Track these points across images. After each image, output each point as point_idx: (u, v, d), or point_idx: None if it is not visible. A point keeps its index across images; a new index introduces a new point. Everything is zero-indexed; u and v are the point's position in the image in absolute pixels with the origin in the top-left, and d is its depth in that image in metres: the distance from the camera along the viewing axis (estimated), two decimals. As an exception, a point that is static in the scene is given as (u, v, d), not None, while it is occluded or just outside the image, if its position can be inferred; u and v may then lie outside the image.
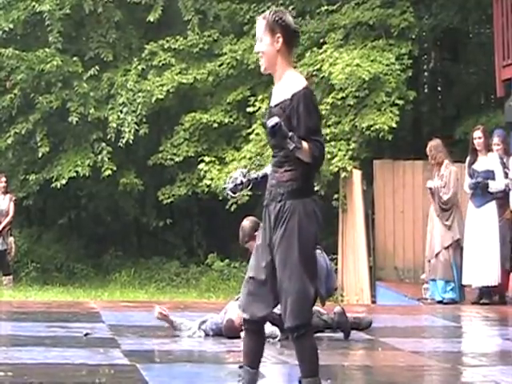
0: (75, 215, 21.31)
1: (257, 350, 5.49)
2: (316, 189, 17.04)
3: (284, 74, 5.37)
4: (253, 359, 5.48)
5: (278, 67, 5.39)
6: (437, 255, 12.48)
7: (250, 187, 6.04)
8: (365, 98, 16.95)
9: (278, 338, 8.81)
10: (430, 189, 12.65)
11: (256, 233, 8.87)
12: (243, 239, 9.02)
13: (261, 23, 5.43)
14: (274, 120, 5.16)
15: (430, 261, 12.61)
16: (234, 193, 6.04)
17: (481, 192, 12.21)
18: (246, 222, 9.16)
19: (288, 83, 5.34)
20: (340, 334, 9.06)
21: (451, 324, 10.85)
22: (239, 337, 8.79)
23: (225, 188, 6.06)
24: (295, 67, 17.20)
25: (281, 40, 5.36)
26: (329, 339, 8.99)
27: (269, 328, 8.87)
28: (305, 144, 5.18)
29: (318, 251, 9.23)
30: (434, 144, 12.90)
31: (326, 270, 9.22)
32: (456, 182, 12.59)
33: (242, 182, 6.01)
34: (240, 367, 5.58)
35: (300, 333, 5.33)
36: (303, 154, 5.17)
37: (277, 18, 5.38)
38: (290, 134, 5.16)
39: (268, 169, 5.67)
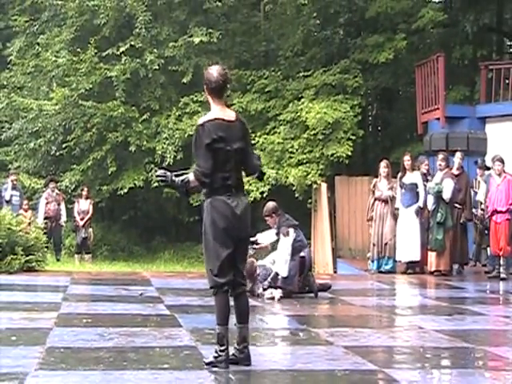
0: (133, 213, 21.32)
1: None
2: (296, 195, 17.18)
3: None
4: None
5: (211, 107, 5.33)
6: (388, 241, 12.36)
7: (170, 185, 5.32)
8: (329, 135, 16.97)
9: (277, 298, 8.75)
10: (390, 196, 12.45)
11: (273, 214, 8.93)
12: (264, 213, 8.95)
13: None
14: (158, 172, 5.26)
15: (386, 244, 12.32)
16: (163, 181, 5.28)
17: (408, 197, 12.24)
18: (270, 202, 9.11)
19: None
20: (312, 295, 9.06)
21: (387, 287, 10.86)
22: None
23: (156, 172, 5.35)
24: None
25: (206, 91, 5.31)
26: (306, 298, 9.00)
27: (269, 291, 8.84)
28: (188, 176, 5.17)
29: (308, 249, 9.22)
30: (388, 163, 12.82)
31: (310, 262, 9.25)
32: None
33: (167, 179, 5.25)
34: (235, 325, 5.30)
35: (213, 293, 5.19)
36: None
37: (204, 75, 5.28)
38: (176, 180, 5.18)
39: (191, 176, 5.18)
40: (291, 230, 8.87)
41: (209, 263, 5.19)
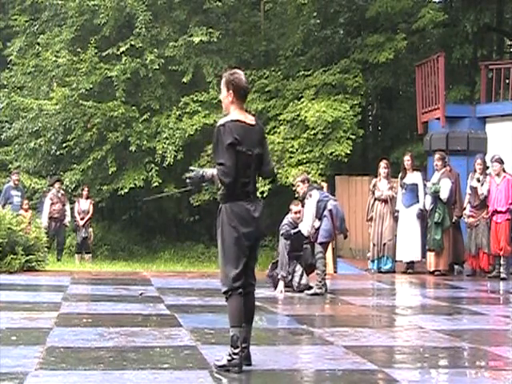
0: (133, 213, 21.35)
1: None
2: (296, 195, 17.21)
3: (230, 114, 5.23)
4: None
5: (230, 110, 5.22)
6: (387, 241, 12.34)
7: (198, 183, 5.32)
8: (329, 134, 16.96)
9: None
10: (390, 196, 12.45)
11: (301, 183, 9.52)
12: (296, 180, 9.73)
13: (222, 79, 5.26)
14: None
15: (384, 244, 12.37)
16: (191, 183, 5.27)
17: (409, 197, 12.24)
18: (302, 174, 10.42)
19: None
20: (311, 295, 9.06)
21: (387, 286, 10.86)
22: None
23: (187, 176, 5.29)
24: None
25: (232, 95, 5.18)
26: (306, 298, 8.99)
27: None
28: (213, 170, 5.11)
29: (335, 203, 9.68)
30: (388, 163, 12.84)
31: (342, 215, 9.74)
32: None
33: (198, 175, 5.25)
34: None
35: (226, 295, 5.15)
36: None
37: (231, 78, 5.18)
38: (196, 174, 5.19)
39: (215, 171, 5.11)
40: (314, 192, 9.44)
41: (226, 268, 5.12)
